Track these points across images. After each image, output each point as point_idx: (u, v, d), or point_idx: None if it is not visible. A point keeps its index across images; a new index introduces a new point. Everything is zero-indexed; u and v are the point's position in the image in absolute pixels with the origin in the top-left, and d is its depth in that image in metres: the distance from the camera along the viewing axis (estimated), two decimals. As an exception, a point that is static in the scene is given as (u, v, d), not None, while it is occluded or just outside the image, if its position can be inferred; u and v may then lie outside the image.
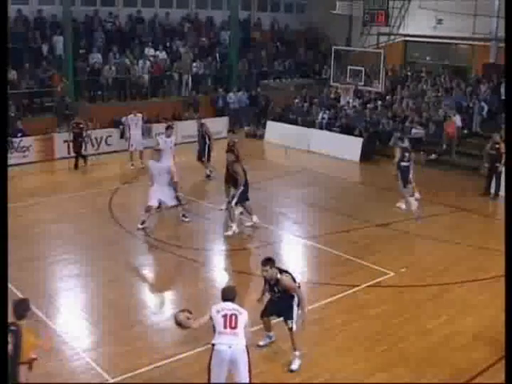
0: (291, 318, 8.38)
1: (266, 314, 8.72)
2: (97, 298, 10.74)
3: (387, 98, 24.00)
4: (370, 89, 24.51)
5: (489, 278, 11.48)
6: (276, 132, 23.92)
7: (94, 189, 16.98)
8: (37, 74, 22.38)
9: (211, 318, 7.29)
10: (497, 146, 16.97)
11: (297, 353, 8.46)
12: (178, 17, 28.38)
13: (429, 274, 11.78)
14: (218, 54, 27.71)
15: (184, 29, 28.09)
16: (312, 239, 13.61)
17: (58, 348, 8.90)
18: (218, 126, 24.28)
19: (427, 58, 28.44)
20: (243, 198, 13.69)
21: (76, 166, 19.30)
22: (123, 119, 21.53)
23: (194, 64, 26.29)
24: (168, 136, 15.84)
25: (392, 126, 22.19)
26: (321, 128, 23.22)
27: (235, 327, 7.17)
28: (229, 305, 7.36)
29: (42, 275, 11.42)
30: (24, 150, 19.73)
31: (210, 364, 7.20)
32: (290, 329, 8.42)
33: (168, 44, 26.80)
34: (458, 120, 20.90)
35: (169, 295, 11.19)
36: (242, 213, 14.66)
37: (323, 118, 23.65)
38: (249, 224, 14.03)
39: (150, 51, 25.68)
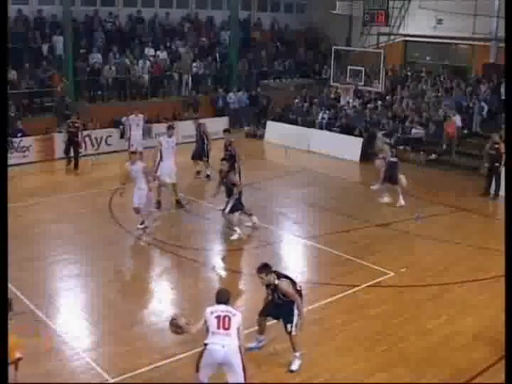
0: (291, 322, 8.36)
1: (264, 313, 8.71)
2: (97, 298, 10.74)
3: (387, 98, 24.00)
4: (370, 89, 24.51)
5: (489, 278, 11.49)
6: (276, 132, 23.92)
7: (93, 189, 16.98)
8: (37, 74, 22.38)
9: (205, 320, 7.34)
10: (496, 145, 16.97)
11: (297, 353, 8.47)
12: (178, 17, 28.38)
13: (429, 274, 11.79)
14: (218, 54, 27.71)
15: (184, 29, 28.09)
16: (312, 239, 13.61)
17: (58, 348, 8.91)
18: (218, 126, 24.21)
19: (427, 58, 28.44)
20: (237, 208, 13.46)
21: (69, 163, 19.22)
22: (123, 119, 21.56)
23: (194, 64, 26.30)
24: (170, 136, 15.81)
25: (392, 126, 22.19)
26: (321, 128, 23.23)
27: (228, 328, 7.24)
28: (222, 307, 7.44)
29: (41, 275, 11.42)
30: (24, 150, 19.73)
31: (198, 362, 7.27)
32: (289, 332, 8.40)
33: (168, 44, 26.80)
34: (457, 120, 20.90)
35: (169, 295, 11.18)
36: (240, 213, 14.70)
37: (323, 118, 23.66)
38: (248, 224, 14.02)
39: (150, 51, 25.69)
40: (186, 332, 7.57)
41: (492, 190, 16.96)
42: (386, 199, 16.35)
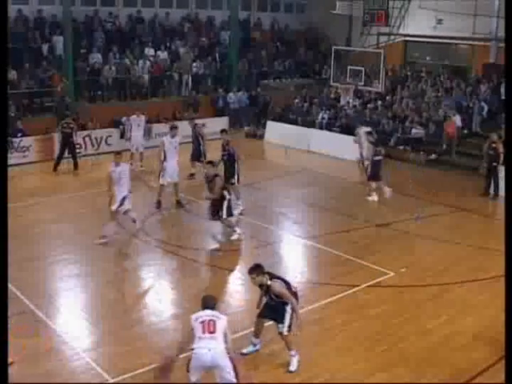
0: (282, 323, 8.35)
1: (261, 315, 8.71)
2: (97, 298, 10.74)
3: (387, 98, 24.01)
4: (370, 89, 24.51)
5: (489, 278, 11.49)
6: (276, 132, 23.92)
7: (93, 189, 16.93)
8: (37, 74, 22.38)
9: (191, 327, 7.38)
10: (494, 145, 17.01)
11: (292, 352, 8.44)
12: (178, 17, 28.38)
13: (429, 274, 11.78)
14: (217, 54, 27.72)
15: (184, 29, 28.10)
16: (312, 239, 13.61)
17: (58, 348, 8.91)
18: (218, 126, 24.20)
19: (427, 58, 28.45)
20: (231, 210, 13.40)
21: (56, 167, 19.06)
22: (123, 119, 21.57)
23: (194, 64, 26.30)
24: (173, 136, 15.78)
25: (392, 126, 22.21)
26: (321, 128, 23.23)
27: (213, 331, 7.28)
28: (208, 312, 7.48)
29: (41, 275, 11.42)
30: (24, 150, 19.75)
31: (189, 364, 7.32)
32: (281, 333, 8.39)
33: (168, 44, 26.80)
34: (457, 120, 20.91)
35: (169, 295, 11.18)
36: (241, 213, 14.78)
37: (323, 118, 23.67)
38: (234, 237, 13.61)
39: (150, 51, 25.70)
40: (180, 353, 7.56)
41: (492, 190, 16.97)
42: (374, 198, 16.59)
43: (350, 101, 24.33)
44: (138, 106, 21.55)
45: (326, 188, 17.88)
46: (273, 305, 8.43)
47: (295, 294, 8.54)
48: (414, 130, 21.62)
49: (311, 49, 31.45)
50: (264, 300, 8.62)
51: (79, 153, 20.72)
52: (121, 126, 21.73)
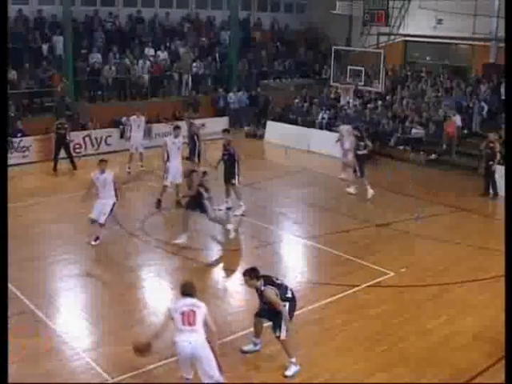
0: (279, 327, 8.29)
1: (259, 314, 8.70)
2: (97, 298, 10.74)
3: (387, 97, 24.00)
4: (370, 89, 24.51)
5: (489, 278, 11.49)
6: (276, 132, 23.92)
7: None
8: (37, 74, 22.38)
9: (171, 318, 7.41)
10: (491, 145, 17.03)
11: (292, 360, 8.37)
12: (178, 17, 28.38)
13: (429, 274, 11.78)
14: (217, 54, 27.72)
15: (184, 29, 28.09)
16: (312, 239, 13.61)
17: (58, 348, 8.92)
18: (218, 126, 24.23)
19: (427, 58, 28.44)
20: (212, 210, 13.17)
21: (55, 168, 19.03)
22: (123, 119, 21.57)
23: (194, 64, 26.30)
24: (176, 136, 15.74)
25: (392, 126, 22.21)
26: (321, 128, 23.23)
27: (193, 323, 7.32)
28: (187, 301, 7.49)
29: (41, 275, 11.42)
30: (24, 150, 19.76)
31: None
32: (278, 337, 8.35)
33: (168, 44, 26.79)
34: (458, 120, 20.90)
35: (169, 295, 11.16)
36: (228, 208, 15.02)
37: (323, 118, 23.66)
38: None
39: (150, 51, 25.69)
40: (155, 339, 7.67)
41: (490, 190, 16.99)
42: (352, 190, 16.99)
43: (350, 101, 24.31)
44: (138, 106, 21.55)
45: (325, 188, 17.87)
46: (270, 308, 8.40)
47: (292, 300, 8.46)
48: (414, 130, 21.62)
49: (311, 49, 31.45)
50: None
51: (79, 153, 20.78)
52: (121, 126, 21.74)
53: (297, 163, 20.54)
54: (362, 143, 17.04)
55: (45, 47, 23.62)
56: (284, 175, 19.27)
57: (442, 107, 21.94)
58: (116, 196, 12.88)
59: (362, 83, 24.02)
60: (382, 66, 23.14)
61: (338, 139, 19.24)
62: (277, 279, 8.60)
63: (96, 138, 21.35)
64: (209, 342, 7.39)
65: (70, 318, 9.95)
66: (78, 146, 20.88)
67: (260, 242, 13.49)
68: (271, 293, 8.25)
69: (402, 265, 12.04)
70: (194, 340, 7.25)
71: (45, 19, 24.37)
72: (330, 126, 22.97)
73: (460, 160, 20.05)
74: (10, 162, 17.22)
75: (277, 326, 8.31)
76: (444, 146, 20.66)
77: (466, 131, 21.25)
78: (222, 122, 24.51)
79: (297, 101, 25.49)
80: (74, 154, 20.18)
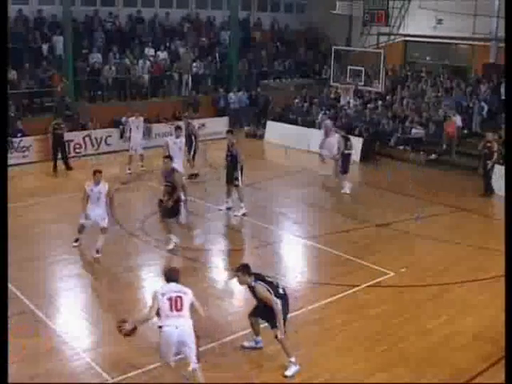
0: (275, 327, 8.27)
1: (253, 314, 8.71)
2: (97, 298, 10.75)
3: (387, 97, 24.00)
4: (370, 89, 24.52)
5: (489, 278, 11.49)
6: (276, 132, 23.92)
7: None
8: (37, 74, 22.38)
9: (157, 303, 7.47)
10: (489, 144, 17.05)
11: (292, 359, 8.36)
12: (178, 17, 28.38)
13: (429, 274, 11.78)
14: (217, 54, 27.72)
15: (184, 29, 28.09)
16: (312, 239, 13.61)
17: (58, 348, 8.92)
18: (218, 126, 24.32)
19: (427, 58, 28.43)
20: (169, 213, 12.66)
21: (55, 168, 19.07)
22: (123, 119, 21.57)
23: (194, 64, 26.29)
24: (177, 137, 15.68)
25: (392, 126, 22.21)
26: (321, 128, 23.19)
27: (181, 309, 7.40)
28: (173, 286, 7.58)
29: (41, 275, 11.42)
30: (24, 150, 19.76)
31: (160, 341, 7.49)
32: (276, 337, 8.32)
33: (168, 44, 26.79)
34: (458, 120, 20.90)
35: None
36: (228, 208, 15.02)
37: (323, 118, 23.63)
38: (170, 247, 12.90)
39: (150, 51, 25.69)
40: (141, 323, 7.73)
41: (490, 188, 17.04)
42: (347, 190, 17.15)
43: (351, 101, 24.33)
44: (138, 106, 21.56)
45: (326, 188, 17.85)
46: (263, 306, 8.39)
47: (284, 298, 8.45)
48: (414, 130, 21.63)
49: (311, 49, 31.44)
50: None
51: (79, 153, 20.79)
52: (121, 126, 21.73)
53: (297, 163, 20.54)
54: (348, 143, 17.40)
55: (45, 47, 23.62)
56: (284, 175, 19.27)
57: (442, 107, 21.95)
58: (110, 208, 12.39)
59: (362, 83, 24.04)
60: (382, 66, 23.15)
61: (325, 137, 19.16)
62: (268, 277, 8.61)
63: (96, 138, 21.35)
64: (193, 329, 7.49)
65: (70, 317, 9.95)
66: (78, 146, 20.89)
67: (260, 241, 13.49)
68: (262, 289, 8.27)
69: (402, 265, 12.04)
70: (181, 325, 7.35)
71: (45, 19, 24.37)
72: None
73: (460, 160, 20.05)
74: (10, 162, 17.22)
75: (273, 326, 8.30)
76: (444, 146, 20.66)
77: (466, 131, 21.26)
78: (222, 122, 24.54)
79: (297, 101, 25.50)
80: (73, 154, 20.23)
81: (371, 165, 20.85)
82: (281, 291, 8.44)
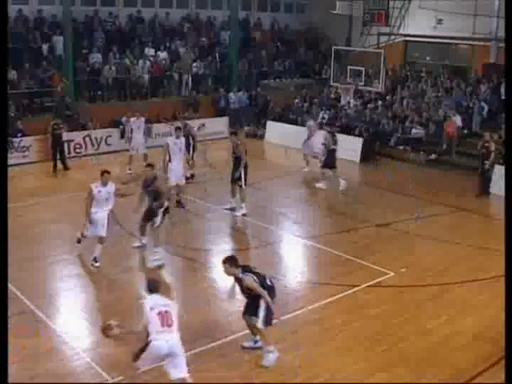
0: (256, 316, 8.38)
1: (245, 312, 8.76)
2: (97, 298, 10.74)
3: (387, 97, 24.01)
4: (370, 89, 24.53)
5: (489, 278, 11.49)
6: (276, 132, 23.92)
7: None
8: (37, 74, 22.38)
9: (146, 317, 7.44)
10: (486, 144, 17.07)
11: (269, 348, 8.47)
12: (178, 17, 28.37)
13: (429, 274, 11.79)
14: (217, 54, 27.71)
15: (184, 29, 28.09)
16: (312, 239, 13.61)
17: (58, 348, 8.92)
18: (218, 126, 24.35)
19: (427, 58, 28.43)
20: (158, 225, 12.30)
21: (55, 168, 19.10)
22: (123, 119, 21.57)
23: (194, 64, 26.29)
24: (177, 137, 15.61)
25: (392, 126, 22.21)
26: (321, 128, 23.17)
27: (172, 324, 7.42)
28: (159, 299, 7.60)
29: (42, 275, 11.42)
30: (24, 150, 19.77)
31: (139, 354, 7.45)
32: (255, 326, 8.44)
33: (168, 44, 26.79)
34: (458, 120, 20.91)
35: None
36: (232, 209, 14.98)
37: (323, 118, 23.62)
38: (136, 245, 12.81)
39: (150, 51, 25.69)
40: (127, 334, 7.75)
41: (482, 189, 17.09)
42: (322, 185, 17.43)
43: (351, 101, 24.33)
44: (138, 106, 21.55)
45: (325, 188, 17.85)
46: (248, 298, 8.53)
47: (271, 288, 8.51)
48: (414, 130, 21.63)
49: (311, 49, 31.44)
50: (236, 289, 8.65)
51: (79, 153, 20.80)
52: (121, 126, 21.73)
53: (297, 163, 20.52)
54: (335, 138, 17.67)
55: (45, 47, 23.61)
56: (284, 175, 19.27)
57: (442, 107, 21.95)
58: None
59: (362, 83, 24.05)
60: (382, 66, 23.17)
61: (308, 137, 19.86)
62: (255, 268, 8.67)
63: (96, 138, 21.36)
64: None
65: (70, 317, 9.95)
66: (78, 146, 20.90)
67: (260, 241, 13.50)
68: (249, 280, 8.32)
69: (402, 265, 12.04)
70: (171, 338, 7.36)
71: (45, 19, 24.37)
72: (330, 126, 22.94)
73: (460, 160, 20.06)
74: (11, 161, 17.22)
75: (254, 315, 8.41)
76: (444, 146, 20.67)
77: (466, 131, 21.26)
78: (222, 122, 24.57)
79: (297, 101, 25.50)
80: (74, 154, 20.23)
81: (371, 165, 20.85)
82: (268, 282, 8.51)
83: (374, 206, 16.17)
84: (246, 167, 15.02)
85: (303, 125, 23.50)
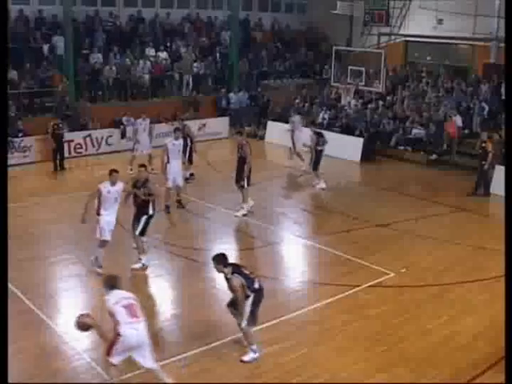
0: (241, 314, 8.46)
1: (230, 304, 8.84)
2: (97, 298, 10.71)
3: (388, 98, 24.00)
4: (370, 89, 24.53)
5: (489, 278, 11.48)
6: (277, 132, 23.87)
7: (94, 189, 16.93)
8: (37, 73, 22.37)
9: (111, 312, 7.56)
10: (483, 144, 17.07)
11: (252, 347, 8.55)
12: (179, 17, 28.37)
13: (429, 274, 11.79)
14: (218, 54, 27.73)
15: (185, 29, 28.09)
16: (312, 239, 13.62)
17: (58, 348, 8.92)
18: (219, 126, 24.35)
19: (428, 58, 28.41)
20: (143, 232, 11.94)
21: (56, 168, 19.11)
22: (124, 119, 21.57)
23: (195, 64, 26.29)
24: (176, 138, 15.52)
25: (392, 126, 22.21)
26: (321, 128, 23.17)
27: (138, 315, 7.56)
28: (120, 293, 7.76)
29: (42, 275, 11.42)
30: (24, 150, 19.76)
31: (110, 348, 7.50)
32: (239, 325, 8.53)
33: (169, 44, 26.80)
34: (458, 120, 20.89)
35: (169, 295, 11.19)
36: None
37: (324, 118, 23.66)
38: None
39: (150, 51, 25.69)
40: (95, 328, 7.74)
41: (482, 189, 17.12)
42: (322, 184, 17.47)
43: (351, 101, 24.32)
44: (138, 106, 21.56)
45: (326, 188, 17.85)
46: (234, 299, 8.61)
47: (259, 291, 8.54)
48: (414, 130, 21.62)
49: (312, 49, 31.42)
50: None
51: (80, 153, 20.80)
52: (121, 126, 21.72)
53: (297, 163, 20.50)
54: (321, 139, 17.60)
55: (45, 47, 23.60)
56: (284, 175, 19.27)
57: (443, 107, 21.93)
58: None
59: (363, 83, 24.06)
60: (382, 66, 23.17)
61: (290, 130, 20.23)
62: (245, 268, 8.69)
63: (97, 138, 21.34)
64: None
65: (70, 317, 9.92)
66: (78, 146, 20.89)
67: (260, 242, 13.50)
68: (236, 281, 8.36)
69: (402, 265, 12.04)
70: (139, 328, 7.47)
71: (45, 19, 24.38)
72: (330, 126, 22.97)
73: (460, 160, 20.05)
74: (11, 162, 17.27)
75: (240, 313, 8.48)
76: (444, 147, 20.65)
77: (466, 131, 21.24)
78: (223, 123, 24.57)
79: (297, 101, 25.48)
80: (74, 154, 20.22)
81: (371, 165, 20.84)
82: (256, 286, 8.52)
83: (375, 206, 16.17)
84: (250, 168, 14.96)
85: (306, 126, 23.55)
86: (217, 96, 26.39)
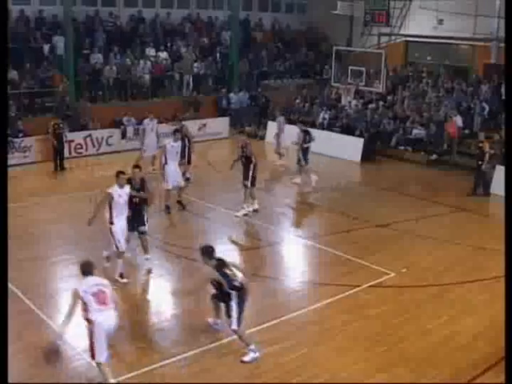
0: (230, 317, 8.45)
1: (214, 296, 8.94)
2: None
3: (388, 98, 24.00)
4: (370, 89, 24.53)
5: (489, 278, 11.48)
6: (277, 132, 23.87)
7: (94, 189, 16.95)
8: (37, 74, 22.38)
9: (81, 299, 7.67)
10: (480, 145, 17.08)
11: (251, 347, 8.54)
12: (179, 17, 28.38)
13: (429, 274, 11.78)
14: (218, 54, 27.74)
15: (185, 29, 28.10)
16: (312, 239, 13.61)
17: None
18: (219, 126, 24.35)
19: (428, 59, 28.40)
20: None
21: (56, 168, 19.13)
22: (124, 119, 21.59)
23: (195, 64, 26.30)
24: (175, 140, 15.43)
25: (393, 127, 22.20)
26: (322, 128, 23.21)
27: (108, 303, 7.70)
28: (92, 280, 7.84)
29: (42, 275, 11.43)
30: (25, 150, 19.77)
31: (93, 346, 7.63)
32: (229, 325, 8.51)
33: (169, 44, 26.81)
34: (458, 120, 20.89)
35: (169, 295, 11.19)
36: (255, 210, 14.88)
37: (324, 119, 23.65)
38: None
39: (150, 51, 25.69)
40: (67, 323, 7.72)
41: (482, 189, 17.10)
42: (315, 177, 17.49)
43: (352, 101, 24.32)
44: (138, 106, 21.56)
45: (326, 188, 17.86)
46: (220, 296, 8.69)
47: (242, 290, 8.54)
48: (414, 131, 21.62)
49: (312, 49, 31.42)
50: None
51: (80, 153, 20.80)
52: (122, 126, 21.73)
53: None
54: (308, 136, 17.69)
55: (46, 47, 23.61)
56: (284, 175, 19.27)
57: (443, 107, 21.94)
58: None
59: (363, 83, 24.06)
60: (382, 67, 23.16)
61: (277, 133, 20.70)
62: (232, 267, 8.70)
63: (97, 138, 21.35)
64: None
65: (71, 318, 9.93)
66: (79, 146, 20.90)
67: (261, 242, 13.49)
68: (218, 279, 8.47)
69: (402, 265, 12.04)
70: (109, 315, 7.62)
71: (46, 19, 24.39)
72: (330, 127, 22.98)
73: (461, 160, 20.04)
74: (12, 162, 17.27)
75: (228, 317, 8.50)
76: (445, 147, 20.65)
77: (466, 131, 21.24)
78: (223, 123, 24.57)
79: (298, 101, 25.50)
80: (75, 155, 20.22)
81: (372, 165, 20.84)
82: (237, 284, 8.52)
83: (375, 206, 16.17)
84: (255, 167, 14.90)
85: (304, 125, 23.55)
86: (217, 96, 26.41)
